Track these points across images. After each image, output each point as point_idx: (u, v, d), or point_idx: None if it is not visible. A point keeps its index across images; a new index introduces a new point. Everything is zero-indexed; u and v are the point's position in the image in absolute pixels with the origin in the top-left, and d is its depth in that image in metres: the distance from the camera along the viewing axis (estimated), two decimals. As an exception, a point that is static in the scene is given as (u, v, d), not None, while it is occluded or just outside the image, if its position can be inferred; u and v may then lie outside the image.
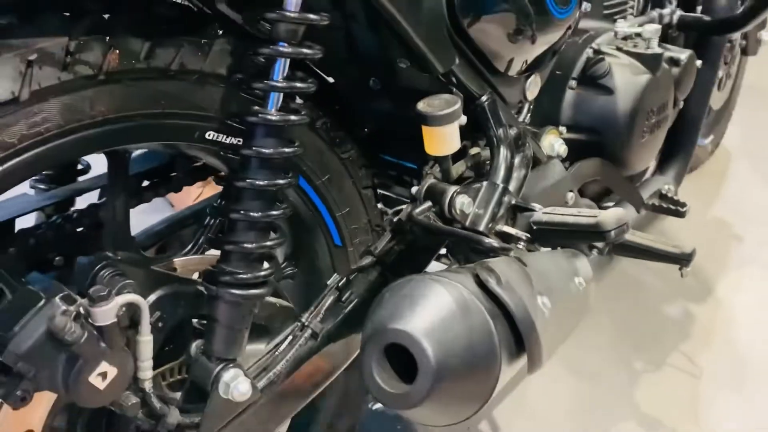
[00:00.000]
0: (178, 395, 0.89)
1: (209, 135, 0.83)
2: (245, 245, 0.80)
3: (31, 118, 0.67)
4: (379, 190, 1.20)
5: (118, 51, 0.72)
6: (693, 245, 1.26)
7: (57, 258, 0.86)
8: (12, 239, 0.84)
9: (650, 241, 1.27)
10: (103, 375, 0.71)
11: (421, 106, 0.97)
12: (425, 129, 0.99)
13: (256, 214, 0.79)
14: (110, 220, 0.87)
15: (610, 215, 0.87)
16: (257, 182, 0.79)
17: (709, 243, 2.16)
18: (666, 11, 1.67)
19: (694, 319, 1.84)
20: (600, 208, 1.44)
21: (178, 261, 0.88)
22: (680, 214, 1.44)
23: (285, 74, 0.79)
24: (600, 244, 1.33)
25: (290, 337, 0.94)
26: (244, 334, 0.84)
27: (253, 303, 0.83)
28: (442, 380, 0.80)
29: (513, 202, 1.00)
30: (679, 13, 1.68)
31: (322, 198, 1.10)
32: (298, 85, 0.81)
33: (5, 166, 0.67)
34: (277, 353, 0.93)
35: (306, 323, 0.95)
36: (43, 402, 0.82)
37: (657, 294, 1.94)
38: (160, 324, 0.83)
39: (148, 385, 0.79)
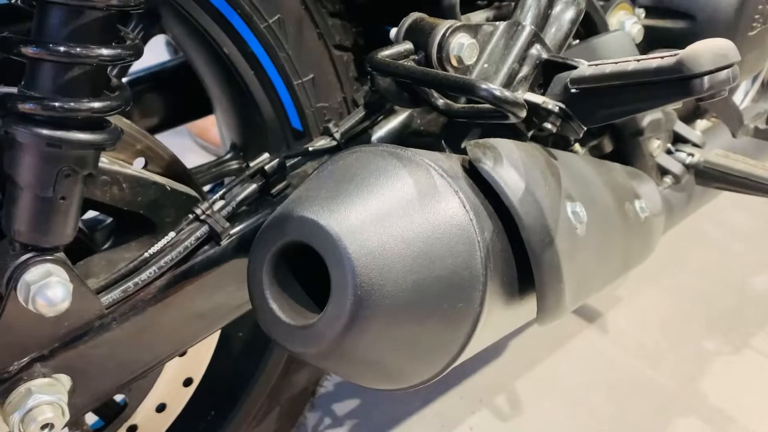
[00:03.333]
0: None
1: None
2: (52, 46, 0.46)
3: None
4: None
5: None
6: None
7: None
8: None
9: (748, 165, 0.88)
10: None
11: None
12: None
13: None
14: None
15: (702, 48, 0.50)
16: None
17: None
18: None
19: (789, 297, 1.44)
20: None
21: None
22: (793, 142, 1.03)
23: None
24: (676, 169, 0.96)
25: (172, 235, 0.61)
26: (64, 210, 0.51)
27: (73, 157, 0.49)
28: (371, 311, 0.45)
29: (545, 56, 0.63)
30: None
31: (271, 53, 0.77)
32: None
33: None
34: (148, 256, 0.60)
35: (201, 216, 0.62)
36: None
37: (742, 261, 1.59)
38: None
39: None
